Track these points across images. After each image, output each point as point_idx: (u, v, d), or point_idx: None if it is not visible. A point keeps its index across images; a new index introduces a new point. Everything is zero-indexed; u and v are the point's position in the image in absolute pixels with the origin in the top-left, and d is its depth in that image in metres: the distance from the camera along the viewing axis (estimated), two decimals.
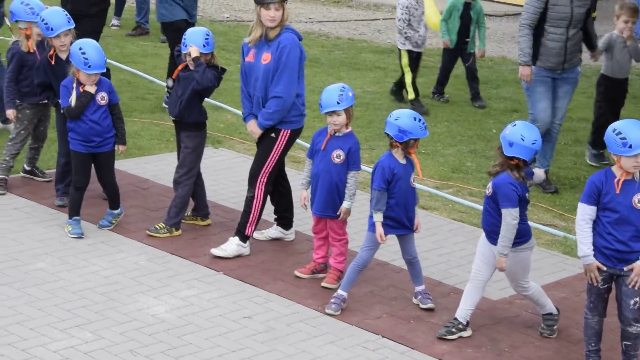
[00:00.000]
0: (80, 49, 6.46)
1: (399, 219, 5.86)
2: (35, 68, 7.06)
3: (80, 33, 6.95)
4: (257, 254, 6.58)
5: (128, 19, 12.85)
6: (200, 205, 7.00)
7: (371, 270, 6.38)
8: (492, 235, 5.61)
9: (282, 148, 6.44)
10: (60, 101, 6.66)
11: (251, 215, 6.43)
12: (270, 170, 6.43)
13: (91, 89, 6.52)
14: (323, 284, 6.22)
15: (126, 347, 5.31)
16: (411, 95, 10.14)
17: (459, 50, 10.39)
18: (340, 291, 5.96)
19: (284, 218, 6.80)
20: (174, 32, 9.06)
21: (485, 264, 5.69)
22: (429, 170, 8.42)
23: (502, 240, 5.51)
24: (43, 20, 6.75)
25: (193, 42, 6.58)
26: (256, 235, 6.74)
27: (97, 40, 8.33)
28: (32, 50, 7.18)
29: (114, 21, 12.53)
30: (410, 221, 5.91)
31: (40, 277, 6.00)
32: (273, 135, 6.42)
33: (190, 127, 6.74)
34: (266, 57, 6.31)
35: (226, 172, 8.04)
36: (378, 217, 5.82)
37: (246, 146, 8.62)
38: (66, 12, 6.92)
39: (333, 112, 6.09)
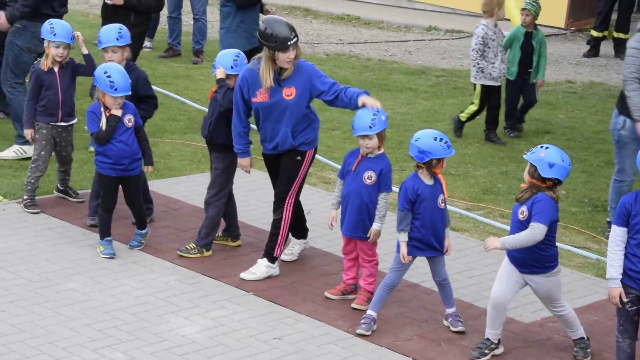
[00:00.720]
0: (105, 72, 6.53)
1: (427, 240, 5.84)
2: (54, 87, 7.17)
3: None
4: (287, 274, 6.58)
5: (160, 40, 12.97)
6: (231, 226, 7.03)
7: (401, 291, 6.35)
8: (527, 264, 5.55)
9: (307, 169, 6.49)
10: (88, 129, 6.68)
11: (279, 237, 6.42)
12: (296, 191, 6.44)
13: (118, 112, 6.58)
14: (353, 305, 6.20)
15: None
16: (464, 117, 9.81)
17: (521, 81, 9.85)
18: (370, 311, 5.94)
19: (304, 230, 6.83)
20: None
21: (509, 289, 5.63)
22: (459, 191, 8.39)
23: (514, 241, 5.43)
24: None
25: (221, 64, 6.64)
26: (284, 257, 6.73)
27: (135, 61, 8.51)
28: (46, 68, 7.21)
29: (146, 43, 12.62)
30: (439, 243, 5.88)
31: (73, 297, 6.04)
32: (299, 158, 6.42)
33: (220, 148, 6.77)
34: (290, 92, 6.26)
35: (257, 193, 8.06)
36: (402, 237, 5.82)
37: None
38: (120, 29, 7.01)
39: (365, 136, 6.09)
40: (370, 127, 6.04)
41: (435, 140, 5.78)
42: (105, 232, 6.68)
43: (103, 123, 6.55)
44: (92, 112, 6.61)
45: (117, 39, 6.99)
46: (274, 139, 6.39)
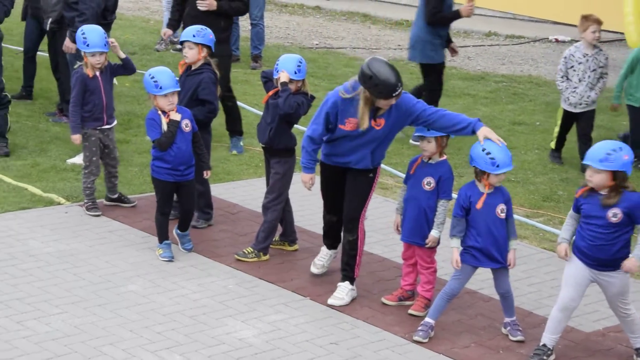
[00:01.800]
0: (150, 75, 6.64)
1: (486, 250, 5.76)
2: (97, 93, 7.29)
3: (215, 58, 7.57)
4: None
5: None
6: (288, 230, 7.04)
7: (459, 298, 6.30)
8: (609, 263, 5.45)
9: (376, 184, 6.33)
10: (149, 136, 6.74)
11: (357, 258, 6.26)
12: (367, 207, 6.27)
13: (176, 116, 6.64)
14: (410, 311, 6.17)
15: None
16: (553, 145, 9.33)
17: None
18: (428, 319, 5.91)
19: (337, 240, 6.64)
20: (435, 73, 9.50)
21: (579, 293, 5.55)
22: (519, 198, 8.30)
23: None
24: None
25: (285, 68, 6.63)
26: (314, 270, 6.59)
27: (229, 64, 8.70)
28: (91, 75, 7.31)
29: None
30: (501, 254, 5.79)
31: (132, 299, 6.12)
32: (371, 175, 6.22)
33: (280, 153, 6.79)
34: (379, 123, 5.99)
35: (314, 198, 8.06)
36: (453, 243, 5.79)
37: None
38: (200, 29, 7.12)
39: (423, 138, 6.05)
40: (428, 129, 6.01)
41: (482, 151, 5.71)
42: (163, 235, 6.75)
43: (164, 127, 6.62)
44: (151, 119, 6.67)
45: (194, 36, 7.09)
46: (347, 156, 6.12)
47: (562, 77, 8.93)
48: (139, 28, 13.93)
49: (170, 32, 9.04)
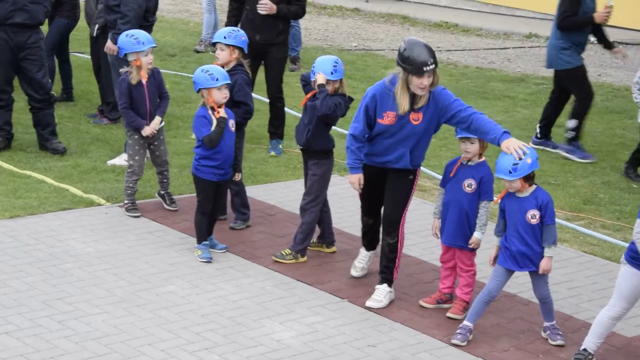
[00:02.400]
0: (202, 70, 6.70)
1: (516, 254, 5.72)
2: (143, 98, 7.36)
3: (267, 62, 7.75)
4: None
5: None
6: (325, 232, 7.04)
7: (498, 301, 6.25)
8: None
9: (416, 186, 6.32)
10: (196, 134, 6.75)
11: (397, 261, 6.24)
12: (408, 210, 6.25)
13: (224, 113, 6.69)
14: (448, 314, 6.14)
15: None
16: (629, 160, 9.00)
17: None
18: (466, 322, 5.87)
19: (376, 241, 6.63)
20: (577, 79, 9.29)
21: (630, 301, 5.47)
22: (559, 201, 8.22)
23: None
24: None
25: (321, 69, 6.63)
26: (354, 273, 6.59)
27: (284, 66, 8.85)
28: (145, 80, 7.36)
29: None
30: (531, 260, 5.72)
31: (171, 299, 6.15)
32: (411, 177, 6.20)
33: (318, 154, 6.79)
34: (417, 117, 5.97)
35: (352, 200, 8.06)
36: (495, 242, 5.81)
37: None
38: (231, 31, 7.23)
39: (467, 139, 6.02)
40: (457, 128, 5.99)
41: (502, 155, 5.70)
42: (202, 236, 6.78)
43: (215, 125, 6.65)
44: (202, 116, 6.68)
45: (225, 37, 7.18)
46: (386, 156, 6.10)
47: (638, 89, 8.62)
48: (179, 30, 14.03)
49: None
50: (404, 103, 5.90)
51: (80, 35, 11.80)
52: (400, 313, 6.15)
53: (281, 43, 8.79)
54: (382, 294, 6.23)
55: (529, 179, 5.70)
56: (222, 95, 6.68)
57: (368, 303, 6.20)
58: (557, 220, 7.74)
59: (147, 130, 7.38)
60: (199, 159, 6.75)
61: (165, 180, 7.60)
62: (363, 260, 6.62)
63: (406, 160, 6.10)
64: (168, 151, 7.66)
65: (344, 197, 8.10)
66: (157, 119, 7.43)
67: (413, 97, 5.94)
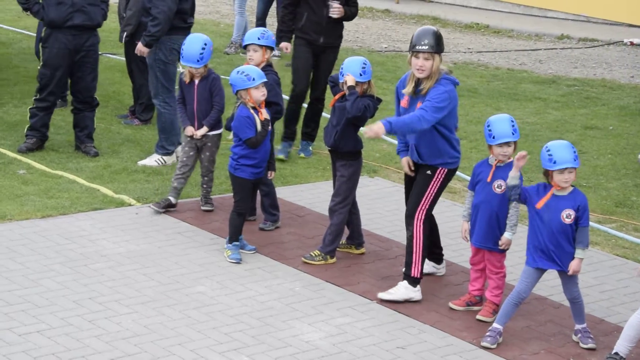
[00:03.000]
0: (237, 71, 6.73)
1: (546, 250, 5.69)
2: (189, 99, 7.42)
3: (320, 63, 8.08)
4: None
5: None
6: (355, 233, 7.04)
7: (528, 304, 6.22)
8: None
9: (438, 186, 6.29)
10: (240, 135, 6.73)
11: (414, 255, 6.25)
12: (427, 207, 6.27)
13: (266, 114, 6.75)
14: (478, 316, 6.11)
15: None
16: None
17: None
18: (496, 324, 5.84)
19: (435, 253, 6.68)
20: None
21: None
22: (590, 203, 8.10)
23: None
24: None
25: (350, 70, 6.63)
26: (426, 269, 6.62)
27: (332, 69, 8.86)
28: (187, 81, 7.39)
29: (275, 52, 12.82)
30: (561, 259, 5.70)
31: (200, 300, 6.18)
32: (429, 172, 6.26)
33: (346, 156, 6.79)
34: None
35: (381, 201, 8.05)
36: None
37: (401, 175, 8.59)
38: (264, 32, 7.28)
39: (505, 143, 6.00)
40: (513, 134, 5.97)
41: (546, 151, 5.71)
42: (234, 236, 6.79)
43: (259, 126, 6.68)
44: (247, 117, 6.70)
45: (259, 38, 7.23)
46: (407, 143, 6.39)
47: None
48: (210, 32, 14.08)
49: (289, 45, 9.01)
50: (410, 83, 6.14)
51: (112, 37, 11.89)
52: (429, 315, 6.13)
53: (338, 46, 8.97)
54: (398, 289, 6.26)
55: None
56: (261, 94, 6.70)
57: (380, 294, 6.25)
58: (590, 223, 7.73)
59: (188, 131, 7.45)
60: (238, 159, 6.76)
61: (204, 186, 7.59)
62: (425, 266, 6.48)
63: (414, 154, 6.26)
64: (214, 161, 7.58)
65: (373, 198, 8.08)
66: (204, 128, 7.40)
67: (418, 83, 6.11)
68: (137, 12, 9.00)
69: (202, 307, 6.08)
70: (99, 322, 5.79)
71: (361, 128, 6.40)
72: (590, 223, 7.68)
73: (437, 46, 6.07)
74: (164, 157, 8.54)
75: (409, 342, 5.80)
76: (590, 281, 6.69)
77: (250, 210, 7.20)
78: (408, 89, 6.17)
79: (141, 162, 8.51)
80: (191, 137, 7.45)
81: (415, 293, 6.27)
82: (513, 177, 5.72)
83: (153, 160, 8.50)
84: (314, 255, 6.80)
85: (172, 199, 7.50)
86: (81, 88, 8.59)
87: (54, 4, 8.30)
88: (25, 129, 8.64)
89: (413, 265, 6.25)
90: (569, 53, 14.08)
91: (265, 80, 6.78)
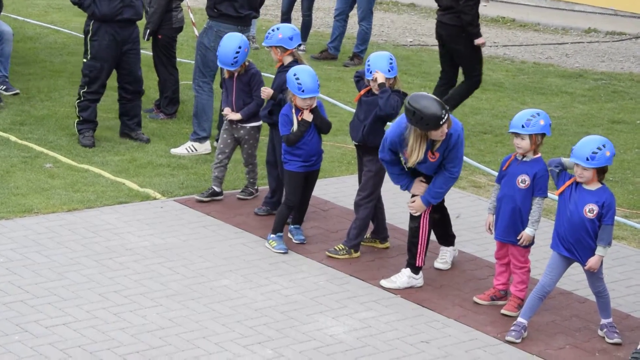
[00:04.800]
0: (294, 74, 6.67)
1: (566, 240, 5.68)
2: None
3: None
4: (436, 278, 6.52)
5: (313, 43, 13.14)
6: (379, 228, 7.03)
7: (554, 299, 6.18)
8: None
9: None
10: (280, 130, 6.81)
11: (419, 246, 6.31)
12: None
13: (309, 117, 6.72)
14: (503, 311, 6.08)
15: None
16: None
17: None
18: (520, 319, 5.81)
19: (449, 236, 6.70)
20: None
21: None
22: (617, 198, 8.01)
23: None
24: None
25: (378, 67, 6.61)
26: (439, 265, 6.66)
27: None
28: (227, 75, 7.46)
29: (301, 46, 12.81)
30: (580, 253, 5.66)
31: (225, 293, 6.19)
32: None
33: (373, 151, 6.77)
34: (434, 156, 6.12)
35: (406, 196, 8.01)
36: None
37: None
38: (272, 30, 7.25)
39: (517, 135, 5.97)
40: (522, 127, 5.92)
41: (583, 141, 5.68)
42: (280, 227, 6.82)
43: (295, 126, 6.68)
44: (285, 115, 6.76)
45: (265, 40, 7.23)
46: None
47: None
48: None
49: None
50: (417, 153, 6.02)
51: None
52: (454, 309, 6.11)
53: None
54: (400, 277, 6.33)
55: (601, 172, 5.62)
56: (305, 104, 6.71)
57: (382, 281, 6.33)
58: (615, 217, 7.67)
59: (225, 110, 7.51)
60: (285, 154, 6.82)
61: (247, 176, 7.70)
62: (444, 257, 6.68)
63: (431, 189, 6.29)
64: (254, 155, 7.62)
65: (398, 193, 8.05)
66: (237, 115, 7.44)
67: (432, 144, 6.07)
68: (159, 8, 9.14)
69: (226, 300, 6.10)
70: (124, 315, 5.83)
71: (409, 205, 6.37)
72: (617, 218, 7.64)
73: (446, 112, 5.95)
74: (195, 145, 8.63)
75: (433, 336, 5.79)
76: (617, 276, 6.64)
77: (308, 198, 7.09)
78: (417, 158, 6.05)
79: (173, 150, 8.61)
80: (230, 122, 7.51)
81: (417, 280, 6.36)
82: (567, 160, 5.71)
83: (184, 148, 8.61)
84: (338, 249, 6.80)
85: (216, 188, 7.60)
86: (131, 80, 8.81)
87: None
88: (76, 124, 8.74)
89: (418, 254, 6.32)
90: (596, 47, 13.97)
91: (316, 95, 6.71)
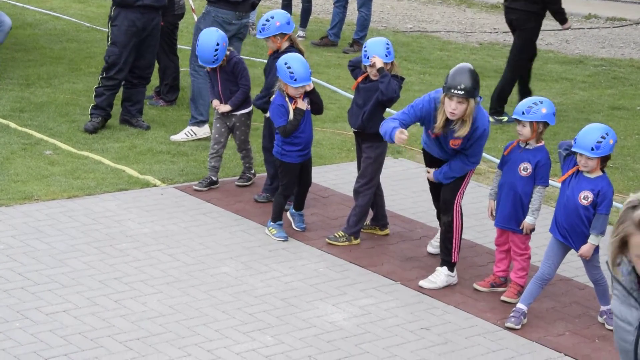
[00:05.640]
0: (285, 63, 6.62)
1: (561, 225, 5.69)
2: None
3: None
4: (435, 265, 6.53)
5: (313, 30, 13.11)
6: (379, 215, 7.03)
7: (553, 285, 6.19)
8: None
9: (473, 170, 6.30)
10: (274, 121, 6.77)
11: (454, 241, 6.24)
12: (464, 191, 6.27)
13: (303, 105, 6.69)
14: (503, 297, 6.09)
15: (305, 353, 5.40)
16: None
17: None
18: (520, 305, 5.82)
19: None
20: None
21: None
22: (616, 185, 8.09)
23: None
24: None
25: (375, 52, 6.60)
26: (430, 249, 6.67)
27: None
28: (209, 70, 7.49)
29: (300, 32, 12.80)
30: (574, 240, 5.67)
31: (225, 280, 6.20)
32: None
33: (372, 137, 6.77)
34: (455, 143, 6.03)
35: (406, 183, 8.03)
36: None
37: None
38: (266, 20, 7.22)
39: (518, 121, 5.97)
40: (523, 113, 5.91)
41: (587, 130, 5.67)
42: (279, 216, 6.83)
43: (291, 115, 6.67)
44: (280, 105, 6.68)
45: (259, 32, 7.21)
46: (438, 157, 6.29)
47: None
48: None
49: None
50: (440, 121, 5.91)
51: None
52: (454, 296, 6.12)
53: None
54: (438, 276, 6.23)
55: (604, 160, 5.63)
56: (297, 93, 6.67)
57: (421, 282, 6.21)
58: (615, 204, 7.66)
59: (214, 103, 7.54)
60: (283, 145, 6.77)
61: (242, 161, 7.74)
62: (439, 239, 6.65)
63: (445, 170, 6.23)
64: (247, 140, 7.63)
65: (398, 179, 8.07)
66: (227, 107, 7.47)
67: (449, 123, 5.94)
68: None
69: (226, 287, 6.11)
70: (125, 302, 5.84)
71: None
72: (616, 204, 7.64)
73: (474, 90, 5.82)
74: (194, 129, 8.64)
75: (433, 322, 5.80)
76: None
77: (309, 182, 7.06)
78: (439, 128, 5.92)
79: (173, 137, 8.61)
80: (222, 114, 7.52)
81: (453, 278, 6.28)
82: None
83: (183, 133, 8.62)
84: (338, 236, 6.81)
85: (213, 177, 7.61)
86: (142, 64, 8.79)
87: None
88: (90, 108, 8.75)
89: (453, 250, 6.23)
90: (596, 33, 13.94)
91: (310, 83, 6.68)
